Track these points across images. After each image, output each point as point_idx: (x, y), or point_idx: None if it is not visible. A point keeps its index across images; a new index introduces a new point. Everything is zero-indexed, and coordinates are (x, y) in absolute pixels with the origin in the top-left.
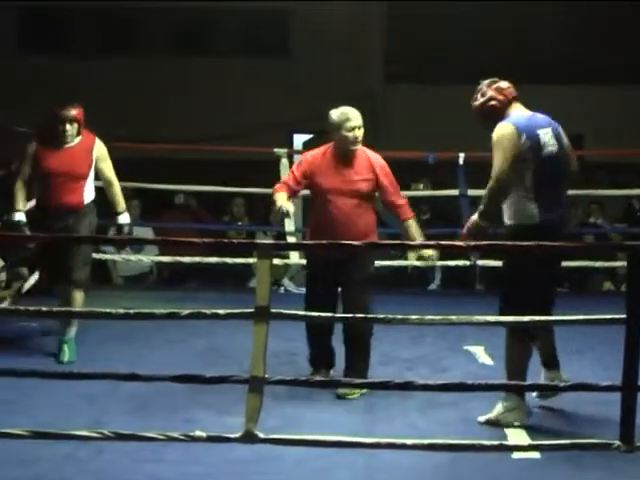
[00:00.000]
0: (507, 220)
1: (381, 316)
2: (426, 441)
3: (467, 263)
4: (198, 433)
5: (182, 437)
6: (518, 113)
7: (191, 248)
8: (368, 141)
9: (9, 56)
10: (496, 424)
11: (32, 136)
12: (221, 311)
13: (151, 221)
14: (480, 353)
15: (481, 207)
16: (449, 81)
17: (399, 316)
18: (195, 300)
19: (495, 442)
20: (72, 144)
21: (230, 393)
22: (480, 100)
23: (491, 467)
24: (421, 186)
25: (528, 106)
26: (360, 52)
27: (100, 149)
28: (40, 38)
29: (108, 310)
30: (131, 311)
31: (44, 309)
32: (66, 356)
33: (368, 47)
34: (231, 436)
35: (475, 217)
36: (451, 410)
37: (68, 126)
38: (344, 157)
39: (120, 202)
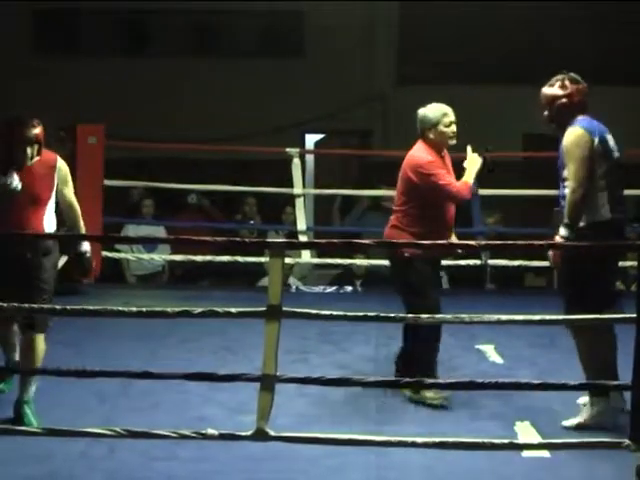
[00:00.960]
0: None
1: (392, 315)
2: (437, 439)
3: (478, 263)
4: (210, 431)
5: (194, 435)
6: (584, 117)
7: (203, 247)
8: (380, 141)
9: (24, 57)
10: (586, 427)
11: None
12: (233, 309)
13: (164, 220)
14: (491, 352)
15: (566, 221)
16: (460, 82)
17: (411, 315)
18: (207, 299)
19: (505, 441)
20: (30, 163)
21: (242, 391)
22: (558, 91)
23: (501, 466)
24: None
25: (539, 106)
26: (372, 54)
27: (63, 169)
28: (54, 39)
29: (121, 308)
30: (144, 309)
31: (57, 307)
32: (32, 420)
33: (380, 49)
34: (243, 434)
35: (563, 233)
36: (461, 408)
37: (29, 149)
38: (440, 154)
39: (82, 228)
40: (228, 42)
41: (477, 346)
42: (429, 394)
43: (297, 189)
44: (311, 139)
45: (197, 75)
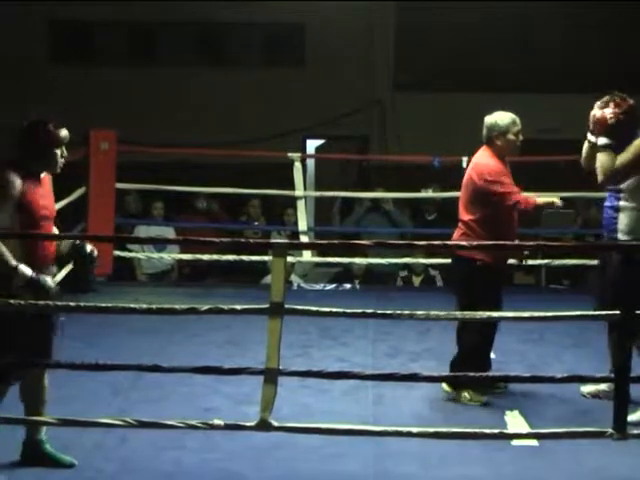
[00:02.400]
0: (623, 236)
1: (389, 312)
2: (431, 429)
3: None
4: (216, 421)
5: (202, 425)
6: None
7: (210, 247)
8: (378, 147)
9: (40, 65)
10: None
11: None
12: (238, 306)
13: (173, 221)
14: None
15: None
16: (455, 90)
17: (407, 311)
18: (213, 296)
19: (496, 431)
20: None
21: (246, 384)
22: (616, 110)
23: (492, 454)
24: (430, 190)
25: (534, 113)
26: (370, 62)
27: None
28: (69, 48)
29: (133, 305)
30: (153, 306)
31: (71, 304)
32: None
33: (378, 57)
34: (247, 424)
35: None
36: (455, 400)
37: (60, 152)
38: (504, 161)
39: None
40: (233, 52)
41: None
42: (467, 396)
43: (299, 191)
44: (312, 144)
45: (203, 83)
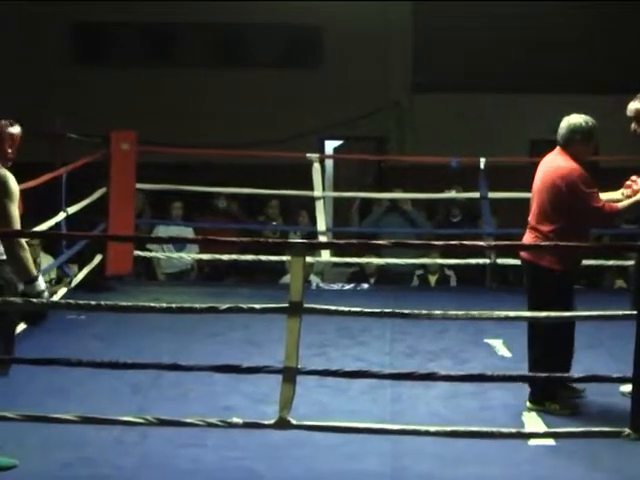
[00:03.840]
0: None
1: (406, 311)
2: (448, 428)
3: (487, 261)
4: (235, 420)
5: (220, 423)
6: None
7: (229, 247)
8: (396, 147)
9: (63, 67)
10: None
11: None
12: (257, 306)
13: (192, 221)
14: (499, 346)
15: None
16: (472, 90)
17: (424, 311)
18: (232, 295)
19: (513, 430)
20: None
21: (265, 382)
22: None
23: (509, 453)
24: (454, 191)
25: (546, 113)
26: (387, 64)
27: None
28: (91, 51)
29: (152, 304)
30: (173, 305)
31: (92, 303)
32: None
33: (395, 59)
34: (266, 422)
35: None
36: (472, 399)
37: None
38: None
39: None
40: (251, 53)
41: (486, 340)
42: (557, 407)
43: (317, 192)
44: (330, 145)
45: (222, 85)
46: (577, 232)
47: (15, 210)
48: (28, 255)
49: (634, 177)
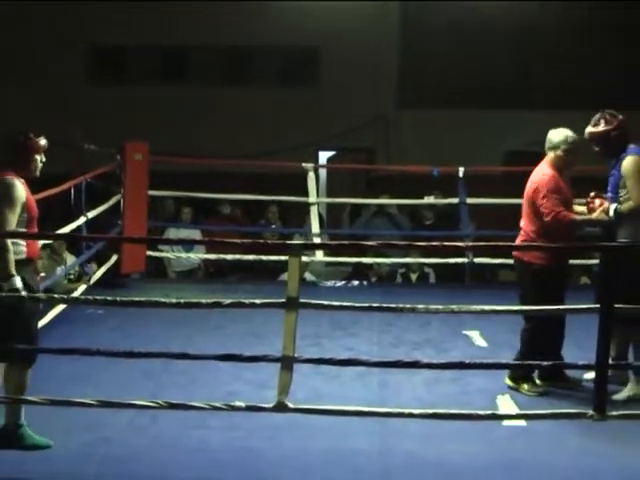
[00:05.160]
0: (628, 237)
1: (392, 305)
2: (430, 411)
3: (465, 260)
4: (238, 403)
5: (225, 407)
6: (634, 145)
7: (233, 248)
8: (383, 158)
9: (81, 85)
10: (634, 399)
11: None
12: (258, 301)
13: (199, 225)
14: (476, 337)
15: (620, 208)
16: (451, 107)
17: (408, 305)
18: (236, 291)
19: (489, 412)
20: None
21: (265, 370)
22: (608, 127)
23: (485, 433)
24: (432, 198)
25: (518, 128)
26: (376, 82)
27: None
28: (107, 70)
29: (163, 300)
30: (182, 300)
31: (109, 298)
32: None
33: (383, 78)
34: (266, 406)
35: (611, 209)
36: (452, 385)
37: (43, 157)
38: (561, 174)
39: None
40: (254, 72)
41: (464, 332)
42: (526, 387)
43: (312, 198)
44: (324, 156)
45: (228, 101)
46: (556, 231)
47: (10, 216)
48: (11, 255)
49: (592, 194)
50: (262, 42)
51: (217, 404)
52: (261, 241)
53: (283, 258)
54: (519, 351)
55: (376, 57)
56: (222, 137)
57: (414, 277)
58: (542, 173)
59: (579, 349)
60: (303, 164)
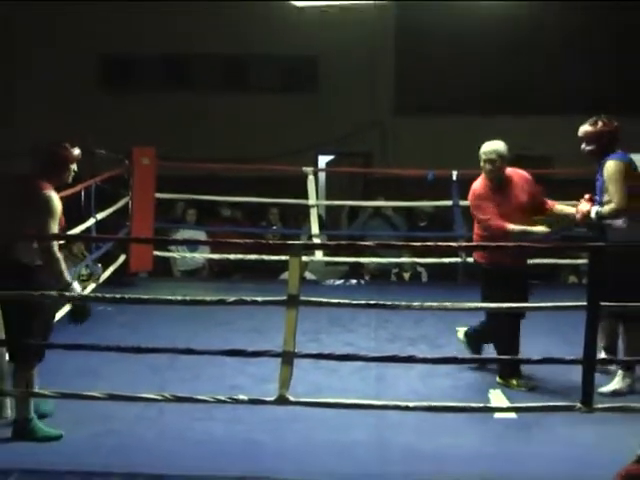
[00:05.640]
0: (615, 238)
1: (388, 303)
2: (426, 404)
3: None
4: (241, 397)
5: (228, 400)
6: (619, 151)
7: (236, 248)
8: (380, 162)
9: (90, 92)
10: (620, 393)
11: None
12: (260, 298)
13: (204, 226)
14: None
15: (601, 210)
16: (445, 113)
17: (404, 303)
18: (238, 290)
19: (481, 405)
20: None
21: (267, 365)
22: (604, 128)
23: (478, 425)
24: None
25: (509, 133)
26: (373, 89)
27: None
28: (115, 77)
29: (169, 297)
30: (188, 298)
31: (117, 296)
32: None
33: (380, 85)
34: (268, 399)
35: (593, 212)
36: (446, 379)
37: (76, 167)
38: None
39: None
40: (256, 80)
41: (458, 328)
42: (515, 382)
43: (311, 200)
44: (323, 160)
45: (230, 107)
46: (491, 238)
47: (55, 227)
48: (64, 265)
49: (587, 196)
50: (262, 50)
51: (221, 397)
52: (263, 241)
53: (284, 258)
54: (497, 353)
55: (373, 64)
56: (225, 142)
57: (407, 276)
58: (476, 182)
59: (566, 344)
60: (303, 168)
